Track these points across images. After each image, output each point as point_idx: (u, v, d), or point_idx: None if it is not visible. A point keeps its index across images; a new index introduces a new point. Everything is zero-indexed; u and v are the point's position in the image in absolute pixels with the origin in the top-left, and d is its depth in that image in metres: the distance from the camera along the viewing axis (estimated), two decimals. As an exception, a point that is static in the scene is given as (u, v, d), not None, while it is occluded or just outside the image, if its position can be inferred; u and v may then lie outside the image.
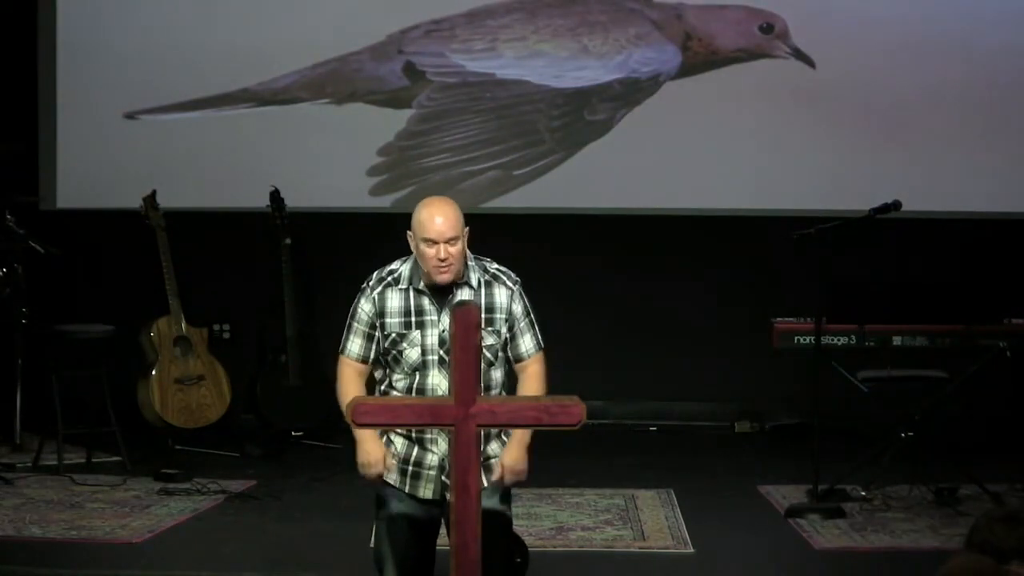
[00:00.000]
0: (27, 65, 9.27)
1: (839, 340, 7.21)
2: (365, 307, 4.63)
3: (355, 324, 4.65)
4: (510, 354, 4.67)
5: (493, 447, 4.61)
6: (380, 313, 4.59)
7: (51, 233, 8.36)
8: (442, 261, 4.51)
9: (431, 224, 4.53)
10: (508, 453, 4.61)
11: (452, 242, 4.52)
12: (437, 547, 4.72)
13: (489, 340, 4.57)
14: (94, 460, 7.95)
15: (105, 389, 7.92)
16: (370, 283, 4.66)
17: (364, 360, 4.65)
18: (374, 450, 4.58)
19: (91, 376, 7.97)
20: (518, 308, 4.65)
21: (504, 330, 4.62)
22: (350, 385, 4.65)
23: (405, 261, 4.66)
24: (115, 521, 6.72)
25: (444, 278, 4.54)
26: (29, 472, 7.69)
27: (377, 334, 4.61)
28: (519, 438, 4.63)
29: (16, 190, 8.79)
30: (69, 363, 8.11)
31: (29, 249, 8.07)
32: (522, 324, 4.67)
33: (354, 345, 4.65)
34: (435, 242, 4.51)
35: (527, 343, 4.68)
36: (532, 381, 4.69)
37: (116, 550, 6.27)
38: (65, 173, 9.29)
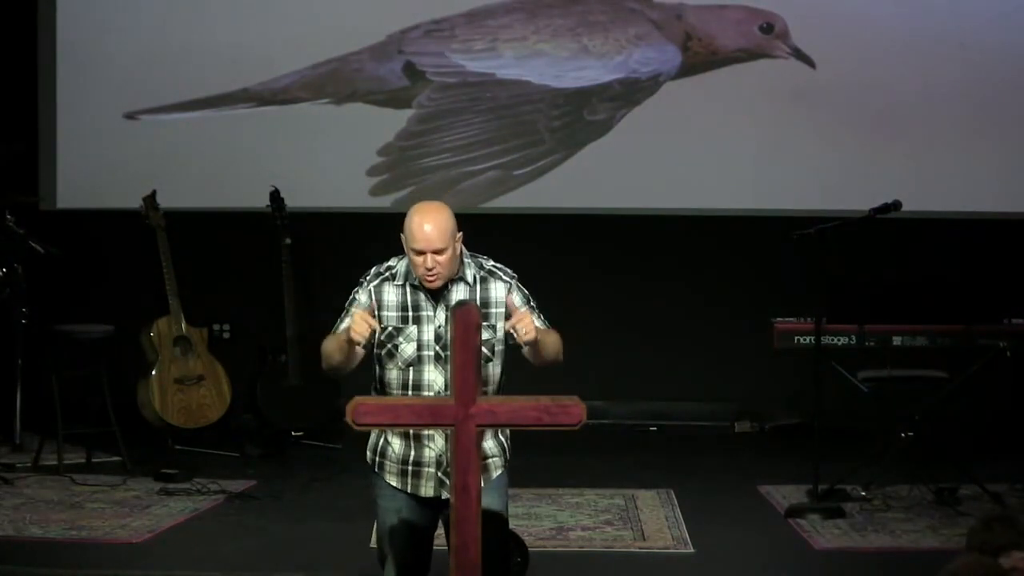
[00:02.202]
0: (27, 65, 9.27)
1: (839, 340, 7.20)
2: (362, 297, 4.61)
3: (352, 308, 4.60)
4: None
5: (489, 445, 4.59)
6: (378, 306, 4.58)
7: (51, 233, 8.36)
8: (429, 270, 4.51)
9: (420, 233, 4.50)
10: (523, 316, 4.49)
11: (440, 252, 4.50)
12: (435, 547, 4.71)
13: (485, 335, 4.54)
14: (94, 460, 7.95)
15: (105, 389, 7.91)
16: (367, 277, 4.65)
17: None
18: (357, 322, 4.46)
19: (91, 376, 7.97)
20: (517, 297, 4.61)
21: (500, 324, 4.60)
22: (331, 341, 4.56)
23: (402, 258, 4.65)
24: (115, 521, 6.72)
25: (432, 286, 4.54)
26: (29, 472, 7.69)
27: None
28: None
29: (16, 190, 8.79)
30: (69, 363, 8.11)
31: (29, 249, 8.07)
32: (524, 309, 4.61)
33: (344, 323, 4.59)
34: (423, 252, 4.50)
35: (534, 320, 4.58)
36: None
37: (116, 550, 6.27)
38: (65, 173, 9.28)
